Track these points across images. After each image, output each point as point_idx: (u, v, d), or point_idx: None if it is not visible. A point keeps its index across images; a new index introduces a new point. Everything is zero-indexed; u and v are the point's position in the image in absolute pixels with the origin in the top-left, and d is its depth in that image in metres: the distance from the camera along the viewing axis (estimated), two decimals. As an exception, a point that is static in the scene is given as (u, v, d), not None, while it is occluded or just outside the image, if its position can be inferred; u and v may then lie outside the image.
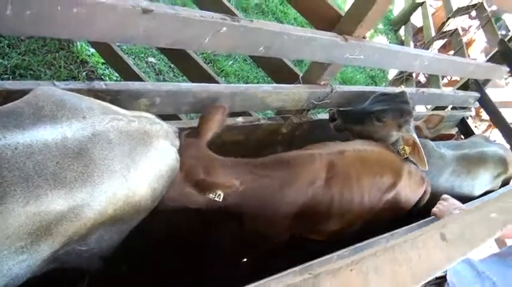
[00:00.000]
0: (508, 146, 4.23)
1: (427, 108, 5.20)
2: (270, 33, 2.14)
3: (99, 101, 1.49)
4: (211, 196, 1.86)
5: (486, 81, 4.76)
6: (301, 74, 2.87)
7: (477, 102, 4.74)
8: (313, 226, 2.39)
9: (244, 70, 5.74)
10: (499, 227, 1.38)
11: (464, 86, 4.76)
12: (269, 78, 3.32)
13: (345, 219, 2.42)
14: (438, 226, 1.20)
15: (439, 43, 8.14)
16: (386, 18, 10.24)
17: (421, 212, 2.62)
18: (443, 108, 4.75)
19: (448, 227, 1.21)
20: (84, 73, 4.24)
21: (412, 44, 8.68)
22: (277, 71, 3.05)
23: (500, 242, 4.37)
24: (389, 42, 9.10)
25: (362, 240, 1.65)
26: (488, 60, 4.60)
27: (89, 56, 4.43)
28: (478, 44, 8.67)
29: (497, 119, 4.71)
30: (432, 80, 6.16)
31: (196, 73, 3.48)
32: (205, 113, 2.06)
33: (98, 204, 1.31)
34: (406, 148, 2.70)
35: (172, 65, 4.88)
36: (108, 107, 1.47)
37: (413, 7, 9.44)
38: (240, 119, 2.61)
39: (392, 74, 8.10)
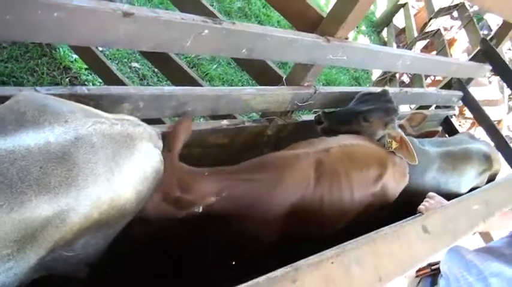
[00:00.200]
0: (492, 144, 4.27)
1: (410, 108, 5.23)
2: (253, 35, 2.14)
3: (81, 105, 1.49)
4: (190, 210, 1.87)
5: (469, 80, 4.80)
6: (284, 76, 2.88)
7: (460, 101, 4.78)
8: (304, 225, 2.40)
9: (229, 74, 5.75)
10: (481, 219, 1.39)
11: (448, 86, 4.80)
12: (253, 81, 3.32)
13: (337, 216, 2.43)
14: (420, 219, 1.22)
15: (421, 44, 8.21)
16: (369, 20, 10.29)
17: (407, 210, 2.64)
18: (427, 107, 4.78)
19: (429, 219, 1.23)
20: (67, 79, 4.22)
21: (394, 45, 8.74)
22: (261, 73, 3.06)
23: (484, 234, 4.43)
24: (372, 44, 9.13)
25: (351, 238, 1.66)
26: (470, 59, 4.63)
27: (71, 62, 4.41)
28: (460, 44, 8.74)
29: (480, 117, 4.75)
30: (415, 80, 6.20)
31: (180, 77, 3.48)
32: (172, 128, 2.05)
33: (83, 208, 1.31)
34: (394, 142, 2.74)
35: (156, 70, 4.87)
36: (90, 111, 1.46)
37: (396, 8, 9.49)
38: (224, 122, 2.61)
39: (376, 74, 8.14)
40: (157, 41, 1.79)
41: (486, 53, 4.46)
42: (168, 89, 2.20)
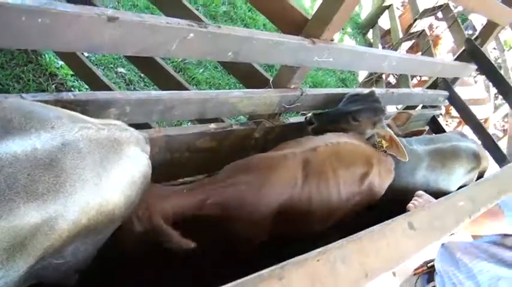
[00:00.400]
0: (480, 142, 4.31)
1: (397, 108, 5.26)
2: (238, 38, 2.15)
3: (67, 111, 1.48)
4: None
5: (454, 80, 4.84)
6: (271, 79, 2.89)
7: (447, 101, 4.82)
8: (294, 224, 2.40)
9: (216, 77, 5.74)
10: (467, 215, 1.41)
11: (434, 85, 4.84)
12: (240, 85, 3.33)
13: (325, 215, 2.45)
14: (406, 216, 1.23)
15: (407, 45, 8.26)
16: (354, 22, 10.34)
17: (398, 210, 2.66)
18: (413, 107, 4.81)
19: (416, 216, 1.24)
20: (53, 86, 4.19)
21: (380, 46, 8.77)
22: (248, 76, 3.06)
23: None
24: (358, 45, 9.17)
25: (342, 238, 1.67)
26: (455, 59, 4.67)
27: (57, 68, 4.38)
28: (446, 45, 8.81)
29: (467, 116, 4.79)
30: (402, 81, 6.23)
31: (167, 82, 3.48)
32: None
33: (72, 214, 1.30)
34: (384, 141, 2.81)
35: (142, 75, 4.85)
36: (76, 116, 1.46)
37: (381, 10, 9.53)
38: (212, 126, 2.61)
39: (362, 76, 8.18)
40: (143, 46, 1.79)
41: (471, 53, 4.50)
42: (155, 93, 2.19)
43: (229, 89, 5.61)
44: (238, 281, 0.80)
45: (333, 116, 2.97)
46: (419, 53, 7.26)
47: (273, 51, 2.38)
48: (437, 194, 2.56)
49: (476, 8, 3.70)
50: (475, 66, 4.58)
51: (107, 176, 1.41)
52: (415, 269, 2.88)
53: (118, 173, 1.46)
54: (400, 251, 1.10)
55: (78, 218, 1.33)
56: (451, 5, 6.53)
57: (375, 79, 6.83)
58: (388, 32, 8.98)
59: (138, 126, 1.82)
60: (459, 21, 6.00)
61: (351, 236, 1.05)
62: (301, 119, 3.20)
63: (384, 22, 9.62)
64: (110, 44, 1.67)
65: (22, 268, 1.24)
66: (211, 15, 6.58)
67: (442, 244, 2.72)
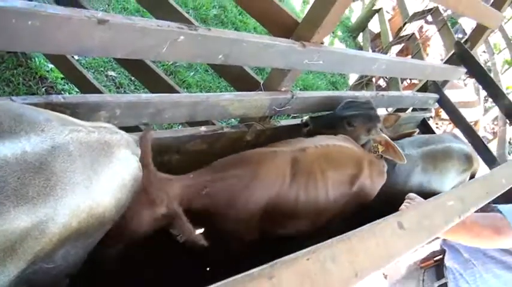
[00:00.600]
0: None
1: (387, 111, 5.28)
2: (228, 41, 2.15)
3: (57, 114, 1.48)
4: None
5: (444, 83, 4.87)
6: (262, 82, 2.89)
7: (437, 103, 4.84)
8: (281, 223, 2.41)
9: (206, 81, 5.75)
10: (457, 215, 1.42)
11: (424, 88, 4.87)
12: (231, 88, 3.33)
13: (313, 215, 2.46)
14: (395, 216, 1.24)
15: (397, 48, 8.31)
16: (345, 25, 10.39)
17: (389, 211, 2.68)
18: (404, 110, 4.83)
19: (405, 216, 1.25)
20: (43, 89, 4.19)
21: (370, 49, 8.82)
22: (239, 79, 3.07)
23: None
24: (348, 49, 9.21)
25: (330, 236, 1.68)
26: (445, 62, 4.70)
27: (47, 71, 4.37)
28: (436, 48, 8.86)
29: (457, 119, 4.83)
30: (392, 84, 6.27)
31: (157, 85, 3.47)
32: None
33: (62, 218, 1.29)
34: (380, 146, 2.86)
35: (133, 78, 4.85)
36: (66, 119, 1.45)
37: (371, 14, 9.59)
38: (202, 129, 2.60)
39: (352, 79, 8.21)
40: (133, 48, 1.79)
41: (461, 56, 4.52)
42: (145, 96, 2.19)
43: (220, 92, 5.61)
44: (229, 279, 0.80)
45: (329, 120, 3.04)
46: (409, 56, 7.30)
47: (263, 54, 2.38)
48: (430, 195, 2.58)
49: (466, 11, 3.72)
50: (464, 69, 4.61)
51: (97, 179, 1.40)
52: (421, 263, 2.86)
53: (108, 176, 1.45)
54: (389, 250, 1.11)
55: (69, 221, 1.32)
56: (441, 8, 6.58)
57: (365, 82, 6.86)
58: (378, 35, 9.03)
59: (128, 129, 1.82)
60: (449, 24, 6.04)
61: (341, 235, 1.05)
62: (292, 121, 3.22)
63: (374, 25, 9.69)
64: (100, 46, 1.66)
65: (13, 273, 1.23)
66: (201, 18, 6.59)
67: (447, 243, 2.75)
